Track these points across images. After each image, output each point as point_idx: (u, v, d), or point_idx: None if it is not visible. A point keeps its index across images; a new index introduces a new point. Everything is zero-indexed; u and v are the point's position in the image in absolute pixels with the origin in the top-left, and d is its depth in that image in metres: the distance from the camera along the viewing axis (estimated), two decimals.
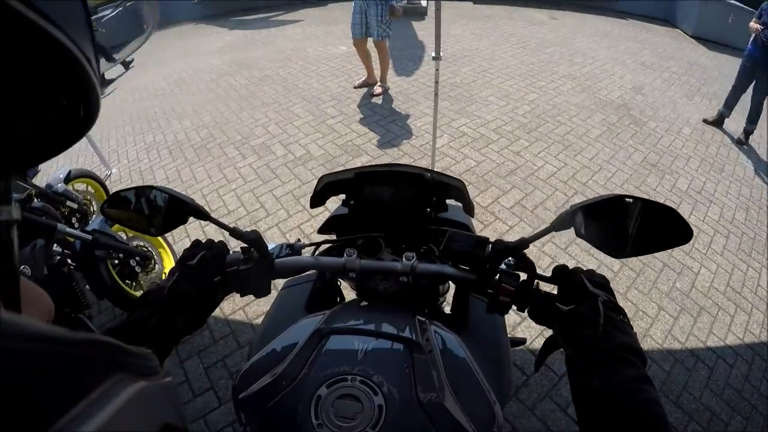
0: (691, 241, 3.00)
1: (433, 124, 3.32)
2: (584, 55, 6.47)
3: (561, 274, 0.79)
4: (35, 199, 2.62)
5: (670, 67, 6.45)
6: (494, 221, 3.10)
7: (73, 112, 0.35)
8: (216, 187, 3.75)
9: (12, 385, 0.18)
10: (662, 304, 2.64)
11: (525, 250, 0.81)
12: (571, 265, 0.80)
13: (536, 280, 0.82)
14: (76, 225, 2.88)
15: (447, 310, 1.31)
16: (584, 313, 0.70)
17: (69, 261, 2.32)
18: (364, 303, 1.02)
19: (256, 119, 4.81)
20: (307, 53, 6.73)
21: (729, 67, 6.47)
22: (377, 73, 5.10)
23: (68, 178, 3.13)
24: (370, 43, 4.78)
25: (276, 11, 9.93)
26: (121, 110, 6.10)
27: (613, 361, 0.63)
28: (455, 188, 1.01)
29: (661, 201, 3.30)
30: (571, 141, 4.14)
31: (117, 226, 2.60)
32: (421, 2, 8.42)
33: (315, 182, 1.05)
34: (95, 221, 2.53)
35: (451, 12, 8.38)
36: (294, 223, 3.18)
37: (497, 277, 0.83)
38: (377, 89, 5.04)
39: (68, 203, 2.93)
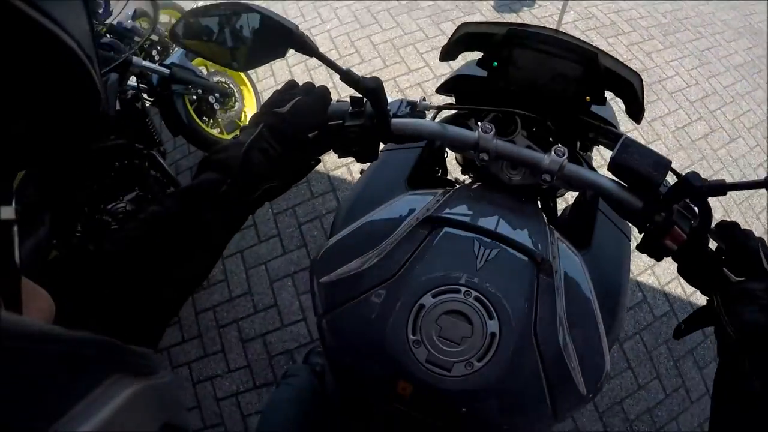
0: None
1: None
2: None
3: (731, 234, 0.63)
4: (106, 36, 2.54)
5: None
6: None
7: (75, 112, 0.34)
8: (309, 26, 3.51)
9: (11, 385, 0.18)
10: None
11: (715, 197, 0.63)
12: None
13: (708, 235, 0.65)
14: (157, 58, 2.78)
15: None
16: (762, 291, 0.55)
17: (145, 96, 2.26)
18: (485, 191, 0.82)
19: None
20: None
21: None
22: None
23: (135, 15, 3.05)
24: None
25: None
26: None
27: None
28: (627, 83, 0.83)
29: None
30: (709, 59, 3.63)
31: (198, 59, 2.50)
32: None
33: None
34: (175, 54, 2.44)
35: None
36: (390, 74, 2.96)
37: (667, 215, 0.66)
38: None
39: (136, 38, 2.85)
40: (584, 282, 0.72)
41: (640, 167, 0.68)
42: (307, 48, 0.67)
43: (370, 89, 0.68)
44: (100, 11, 4.66)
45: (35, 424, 0.19)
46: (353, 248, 0.68)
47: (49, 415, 0.20)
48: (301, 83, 0.72)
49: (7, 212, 0.34)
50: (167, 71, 2.22)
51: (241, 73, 2.79)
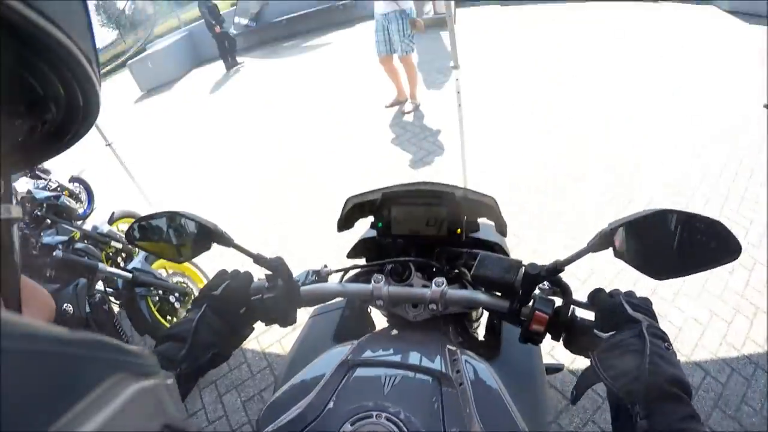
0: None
1: (461, 136, 3.30)
2: (608, 47, 6.00)
3: (598, 298, 0.74)
4: (80, 242, 2.83)
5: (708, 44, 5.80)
6: (519, 244, 2.95)
7: (74, 112, 0.35)
8: (246, 221, 3.92)
9: (11, 385, 0.18)
10: (714, 308, 2.41)
11: (561, 274, 0.77)
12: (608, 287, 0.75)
13: (572, 306, 0.77)
14: (121, 264, 3.05)
15: (482, 334, 1.24)
16: (626, 341, 0.64)
17: (111, 299, 2.46)
18: (393, 332, 0.96)
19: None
20: (339, 75, 6.88)
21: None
22: (407, 89, 5.08)
23: (112, 219, 3.37)
24: (396, 59, 4.77)
25: (306, 36, 10.37)
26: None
27: (660, 398, 0.57)
28: (486, 206, 0.97)
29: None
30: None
31: (158, 262, 2.74)
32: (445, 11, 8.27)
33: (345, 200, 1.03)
34: (136, 259, 2.66)
35: (478, 18, 8.33)
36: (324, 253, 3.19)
37: (531, 303, 0.79)
38: (408, 106, 5.05)
39: (113, 243, 3.11)
40: (493, 383, 0.79)
41: (494, 275, 0.82)
42: (224, 240, 0.86)
43: (276, 266, 0.86)
44: (81, 211, 5.03)
45: (35, 424, 0.19)
46: (290, 400, 0.76)
47: (49, 415, 0.20)
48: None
49: (8, 211, 0.35)
50: (130, 275, 2.42)
51: (198, 273, 3.04)
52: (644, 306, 0.71)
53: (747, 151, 3.36)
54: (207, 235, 0.86)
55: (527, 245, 2.87)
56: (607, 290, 0.75)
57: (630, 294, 0.74)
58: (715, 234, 0.64)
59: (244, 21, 11.07)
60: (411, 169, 3.91)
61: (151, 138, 7.34)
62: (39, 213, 3.10)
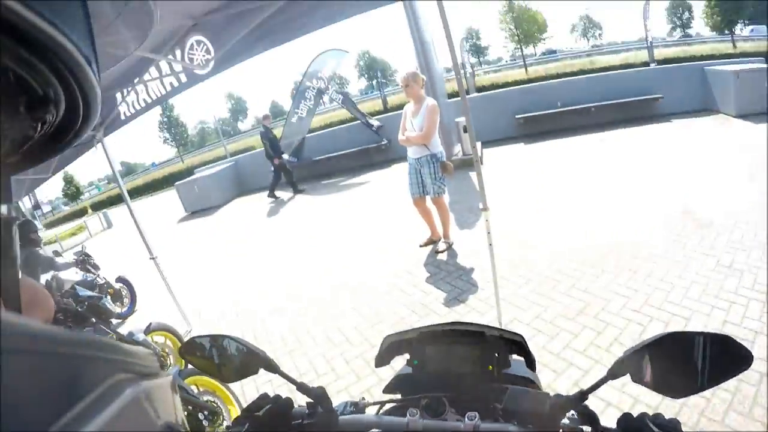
0: None
1: (493, 275, 3.44)
2: (636, 171, 6.57)
3: (626, 423, 0.76)
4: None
5: (721, 156, 6.46)
6: (568, 367, 2.98)
7: (73, 112, 0.36)
8: (289, 349, 3.96)
9: (12, 386, 0.18)
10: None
11: (586, 402, 0.80)
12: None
13: None
14: None
15: None
16: None
17: None
18: None
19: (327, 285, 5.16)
20: (373, 215, 7.32)
21: None
22: (440, 228, 5.33)
23: (148, 330, 3.51)
24: (429, 200, 5.07)
25: (343, 175, 11.08)
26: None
27: None
28: (516, 343, 1.02)
29: (744, 302, 3.24)
30: (639, 265, 4.04)
31: (190, 378, 2.75)
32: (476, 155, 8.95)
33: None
34: (169, 372, 2.63)
35: (503, 157, 9.02)
36: (363, 386, 3.21)
37: None
38: (441, 246, 5.24)
39: None
40: None
41: (523, 408, 0.85)
42: (271, 367, 0.91)
43: (318, 395, 0.90)
44: (122, 310, 5.18)
45: (36, 425, 0.19)
46: None
47: (50, 415, 0.20)
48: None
49: (7, 211, 0.36)
50: None
51: (229, 395, 3.02)
52: (671, 427, 0.72)
53: None
54: (255, 360, 0.93)
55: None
56: (635, 413, 0.77)
57: (658, 416, 0.75)
58: (726, 348, 0.70)
59: (286, 157, 12.04)
60: (445, 307, 4.00)
61: (191, 257, 7.79)
62: (80, 309, 3.28)
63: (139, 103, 4.40)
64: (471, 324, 1.06)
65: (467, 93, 3.30)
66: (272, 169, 10.82)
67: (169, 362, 3.62)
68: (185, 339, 3.64)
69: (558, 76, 25.13)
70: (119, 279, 6.06)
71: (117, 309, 4.75)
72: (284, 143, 12.06)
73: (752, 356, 0.68)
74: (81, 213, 34.19)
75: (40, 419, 0.20)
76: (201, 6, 3.04)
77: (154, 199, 26.55)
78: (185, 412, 2.58)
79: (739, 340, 0.69)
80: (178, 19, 3.04)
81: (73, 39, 0.30)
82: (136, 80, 3.88)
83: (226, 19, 3.23)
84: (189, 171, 17.80)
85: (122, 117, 4.57)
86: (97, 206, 31.68)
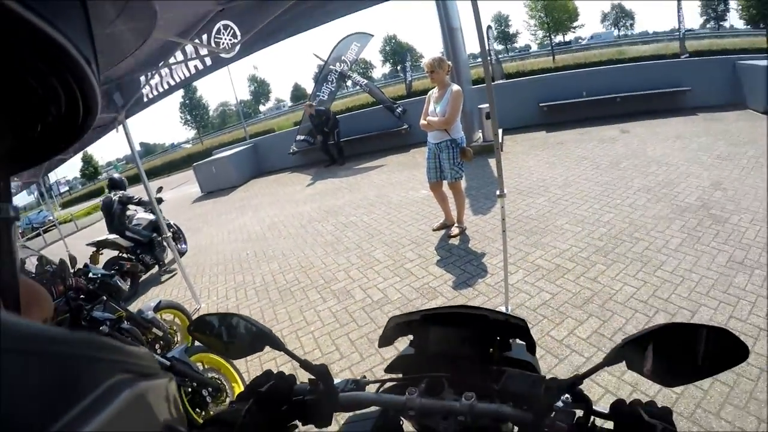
0: None
1: (504, 261, 3.43)
2: (658, 163, 6.46)
3: (618, 408, 0.78)
4: (125, 322, 2.99)
5: (746, 152, 6.36)
6: (570, 354, 2.98)
7: (73, 112, 0.35)
8: (296, 328, 4.01)
9: (11, 386, 0.18)
10: (762, 415, 2.31)
11: (581, 386, 0.82)
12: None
13: (593, 417, 0.81)
14: (159, 351, 3.17)
15: None
16: None
17: None
18: None
19: (339, 264, 5.19)
20: (390, 199, 7.30)
21: None
22: (454, 214, 5.32)
23: (158, 308, 3.57)
24: (446, 185, 5.07)
25: (362, 159, 11.04)
26: (217, 250, 6.97)
27: None
28: (517, 327, 1.03)
29: (752, 299, 3.26)
30: (650, 256, 4.01)
31: (196, 356, 2.80)
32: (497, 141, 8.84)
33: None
34: (176, 349, 2.74)
35: (524, 144, 8.88)
36: (366, 366, 3.26)
37: (553, 415, 0.82)
38: (454, 230, 5.24)
39: (154, 330, 3.26)
40: None
41: (519, 390, 0.90)
42: (277, 345, 0.95)
43: (320, 372, 0.93)
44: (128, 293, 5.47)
45: (36, 425, 0.19)
46: None
47: (50, 415, 0.20)
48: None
49: (7, 211, 0.35)
50: (168, 363, 2.47)
51: (234, 372, 3.07)
52: (663, 415, 0.74)
53: None
54: (261, 338, 0.97)
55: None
56: (628, 401, 0.79)
57: (650, 404, 0.77)
58: (722, 341, 0.72)
59: (302, 137, 12.12)
60: (454, 291, 4.00)
61: (202, 237, 7.91)
62: (92, 287, 3.34)
63: (162, 86, 4.42)
64: (474, 308, 1.07)
65: (492, 80, 3.27)
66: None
67: (176, 339, 3.70)
68: (194, 317, 3.73)
69: (585, 65, 24.64)
70: (170, 226, 6.75)
71: (126, 287, 5.28)
72: (303, 126, 12.12)
73: (748, 351, 0.69)
74: (98, 193, 34.83)
75: (40, 419, 0.20)
76: None
77: (172, 178, 26.91)
78: (189, 389, 2.66)
79: (737, 334, 0.70)
80: (205, 3, 3.03)
81: (72, 39, 0.30)
82: (161, 63, 3.87)
83: (253, 4, 3.22)
84: (208, 152, 18.05)
85: (145, 99, 4.60)
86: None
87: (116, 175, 6.89)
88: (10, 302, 0.35)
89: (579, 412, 0.82)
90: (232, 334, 1.01)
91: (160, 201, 6.23)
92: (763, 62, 8.51)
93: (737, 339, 0.70)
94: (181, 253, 6.89)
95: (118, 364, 0.29)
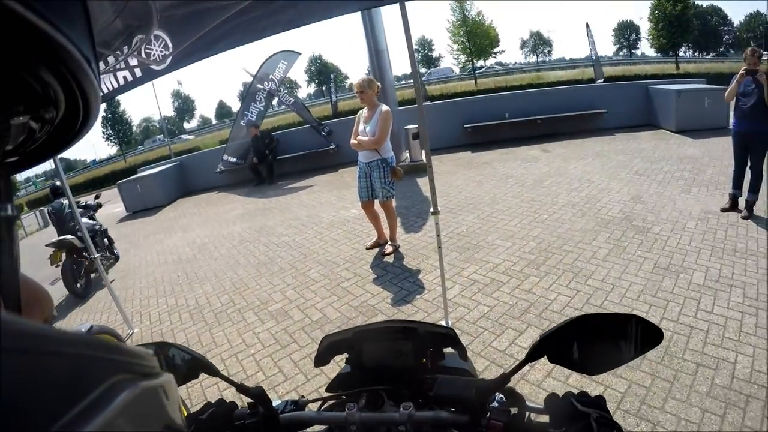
0: (722, 329, 3.15)
1: (441, 276, 3.49)
2: (580, 180, 6.89)
3: (552, 401, 0.80)
4: None
5: (662, 168, 6.97)
6: (514, 363, 3.02)
7: (73, 112, 0.35)
8: (235, 351, 3.84)
9: (11, 386, 0.18)
10: (704, 405, 2.49)
11: (509, 384, 0.84)
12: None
13: (527, 413, 0.84)
14: None
15: None
16: None
17: None
18: None
19: (274, 285, 5.04)
20: (321, 218, 7.24)
21: (717, 149, 7.24)
22: (387, 232, 5.36)
23: (90, 332, 3.27)
24: (377, 204, 5.09)
25: (291, 178, 10.88)
26: (146, 273, 6.59)
27: None
28: (447, 336, 1.07)
29: (680, 300, 3.47)
30: (581, 267, 4.22)
31: None
32: (423, 159, 9.00)
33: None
34: None
35: (451, 164, 9.13)
36: (312, 386, 3.17)
37: (488, 414, 0.84)
38: (387, 248, 5.26)
39: None
40: None
41: (452, 393, 0.90)
42: (211, 370, 0.93)
43: (257, 395, 0.93)
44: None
45: (36, 425, 0.19)
46: None
47: (50, 415, 0.20)
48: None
49: (7, 210, 0.34)
50: None
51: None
52: (596, 403, 0.77)
53: None
54: (195, 365, 0.96)
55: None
56: (561, 393, 0.82)
57: (583, 393, 0.80)
58: (635, 327, 0.76)
59: (233, 159, 11.81)
60: (393, 308, 4.00)
61: (130, 259, 7.44)
62: None
63: None
64: (404, 321, 1.10)
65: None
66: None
67: None
68: (126, 342, 3.46)
69: (506, 89, 25.88)
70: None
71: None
72: (231, 145, 11.84)
73: (662, 334, 0.75)
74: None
75: (40, 419, 0.20)
76: (162, 1, 2.88)
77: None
78: None
79: (647, 319, 0.76)
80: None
81: (72, 39, 0.30)
82: None
83: (188, 15, 3.11)
84: (131, 170, 17.06)
85: None
86: (34, 204, 29.78)
87: (58, 183, 7.16)
88: (11, 301, 0.35)
89: (513, 410, 0.84)
90: (170, 364, 0.97)
91: (99, 206, 7.33)
92: (672, 86, 9.45)
93: (649, 323, 0.75)
94: (116, 258, 7.60)
95: (118, 364, 0.28)
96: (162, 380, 0.33)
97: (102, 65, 3.70)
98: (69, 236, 6.39)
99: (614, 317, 0.77)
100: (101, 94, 0.38)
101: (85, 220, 6.93)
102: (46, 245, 6.40)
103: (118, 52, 3.20)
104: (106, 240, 7.37)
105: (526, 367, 2.95)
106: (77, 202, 6.57)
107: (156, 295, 5.64)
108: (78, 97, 0.34)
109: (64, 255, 6.23)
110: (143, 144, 65.46)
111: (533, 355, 0.81)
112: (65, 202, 6.62)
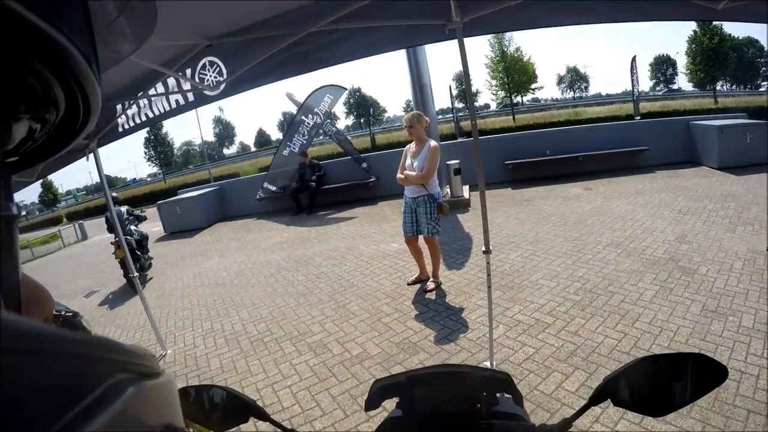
0: None
1: (489, 316, 3.41)
2: (623, 219, 6.72)
3: None
4: None
5: (706, 206, 6.77)
6: (561, 408, 2.93)
7: (73, 112, 0.36)
8: (271, 381, 3.81)
9: (11, 386, 0.18)
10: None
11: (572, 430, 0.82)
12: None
13: None
14: None
15: None
16: None
17: None
18: None
19: (313, 316, 5.03)
20: (361, 251, 7.23)
21: (761, 186, 6.98)
22: (429, 268, 5.31)
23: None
24: (420, 239, 5.05)
25: (330, 209, 10.97)
26: (182, 294, 6.70)
27: None
28: (502, 381, 1.04)
29: (730, 344, 3.34)
30: (627, 309, 4.08)
31: None
32: (464, 195, 9.01)
33: (372, 381, 1.08)
34: None
35: (492, 200, 9.02)
36: (351, 423, 3.10)
37: None
38: (430, 285, 5.19)
39: None
40: None
41: None
42: (262, 415, 0.92)
43: None
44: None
45: (37, 425, 0.19)
46: None
47: (50, 415, 0.20)
48: None
49: (8, 209, 0.34)
50: None
51: None
52: None
53: None
54: (245, 409, 0.96)
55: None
56: None
57: None
58: (700, 365, 0.75)
59: (273, 187, 12.02)
60: (435, 346, 3.92)
61: (166, 280, 7.59)
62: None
63: (140, 117, 4.32)
64: (458, 365, 1.12)
65: (455, 137, 3.29)
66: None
67: None
68: (161, 363, 3.49)
69: (545, 125, 25.80)
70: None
71: (90, 328, 5.28)
72: (272, 173, 12.06)
73: (727, 371, 0.73)
74: (56, 221, 33.27)
75: (40, 419, 0.20)
76: (219, 27, 2.98)
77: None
78: None
79: (713, 357, 0.74)
80: (193, 37, 2.98)
81: (73, 39, 0.30)
82: (140, 93, 3.77)
83: (243, 44, 3.19)
84: (171, 191, 17.54)
85: (120, 129, 4.47)
86: (73, 216, 30.92)
87: (115, 194, 8.57)
88: (11, 301, 0.35)
89: None
90: (216, 405, 0.99)
91: (145, 218, 8.42)
92: (714, 122, 9.24)
93: (714, 361, 0.73)
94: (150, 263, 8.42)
95: (118, 364, 0.28)
96: (162, 380, 0.34)
97: (161, 87, 3.86)
98: (128, 237, 7.40)
99: (676, 357, 0.76)
100: (100, 93, 0.37)
101: (134, 227, 8.13)
102: (111, 243, 7.60)
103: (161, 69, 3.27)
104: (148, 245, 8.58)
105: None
106: (131, 211, 8.22)
107: (191, 317, 5.72)
108: (78, 97, 0.34)
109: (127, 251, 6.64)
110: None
111: (597, 398, 0.81)
112: (124, 209, 8.05)
